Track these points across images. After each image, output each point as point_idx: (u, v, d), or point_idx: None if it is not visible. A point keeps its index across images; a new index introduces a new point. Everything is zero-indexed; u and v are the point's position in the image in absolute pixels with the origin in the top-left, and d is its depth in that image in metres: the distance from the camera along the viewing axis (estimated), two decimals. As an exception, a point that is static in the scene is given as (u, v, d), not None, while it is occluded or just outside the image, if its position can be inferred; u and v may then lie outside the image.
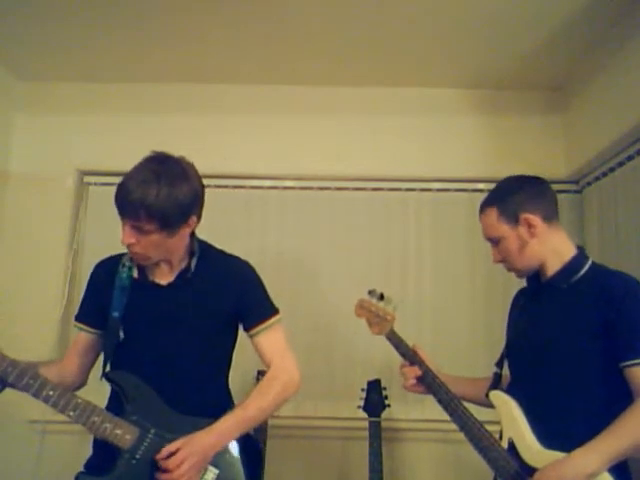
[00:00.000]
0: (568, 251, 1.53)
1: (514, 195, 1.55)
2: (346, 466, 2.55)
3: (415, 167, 2.76)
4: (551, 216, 1.55)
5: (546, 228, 1.53)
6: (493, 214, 1.56)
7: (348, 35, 2.38)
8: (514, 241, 1.53)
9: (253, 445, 1.58)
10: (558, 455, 1.36)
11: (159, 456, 1.36)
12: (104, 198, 2.80)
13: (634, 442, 1.31)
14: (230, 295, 1.55)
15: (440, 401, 1.61)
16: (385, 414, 2.33)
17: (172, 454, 1.36)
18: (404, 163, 2.76)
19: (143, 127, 2.78)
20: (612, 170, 2.39)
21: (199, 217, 1.52)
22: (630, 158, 2.26)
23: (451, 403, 1.58)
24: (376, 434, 2.27)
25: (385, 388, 2.36)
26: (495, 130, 2.77)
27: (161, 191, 1.36)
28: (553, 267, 1.52)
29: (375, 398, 2.33)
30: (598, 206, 2.51)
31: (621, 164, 2.32)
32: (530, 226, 1.52)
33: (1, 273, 2.66)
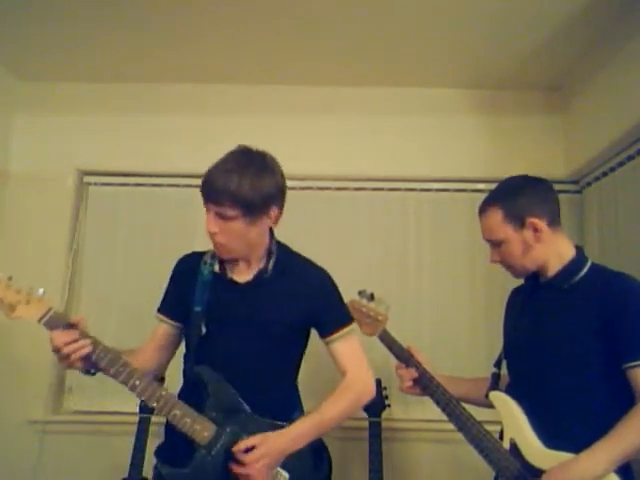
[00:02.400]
0: (568, 252, 1.52)
1: (520, 197, 1.51)
2: (346, 466, 2.55)
3: (415, 167, 2.76)
4: (555, 220, 1.52)
5: (550, 233, 1.50)
6: (497, 215, 1.51)
7: (348, 35, 2.38)
8: (518, 244, 1.50)
9: (324, 451, 1.57)
10: (563, 456, 1.36)
11: (236, 447, 1.38)
12: (104, 198, 2.81)
13: None
14: (305, 300, 1.55)
15: (438, 402, 1.60)
16: (385, 414, 2.33)
17: (249, 449, 1.38)
18: (404, 163, 2.76)
19: (143, 127, 2.77)
20: (612, 170, 2.39)
21: (281, 210, 1.55)
22: (630, 158, 2.26)
23: (449, 404, 1.58)
24: (376, 434, 2.27)
25: (385, 388, 2.36)
26: (495, 130, 2.77)
27: (244, 179, 1.41)
28: (554, 267, 1.51)
29: (375, 398, 2.31)
30: (598, 206, 2.51)
31: (621, 164, 2.32)
32: (536, 230, 1.49)
33: (1, 273, 2.66)
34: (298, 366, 1.64)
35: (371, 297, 1.76)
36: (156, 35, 2.41)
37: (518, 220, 1.49)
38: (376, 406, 2.31)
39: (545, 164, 2.67)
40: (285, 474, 1.44)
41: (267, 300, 1.52)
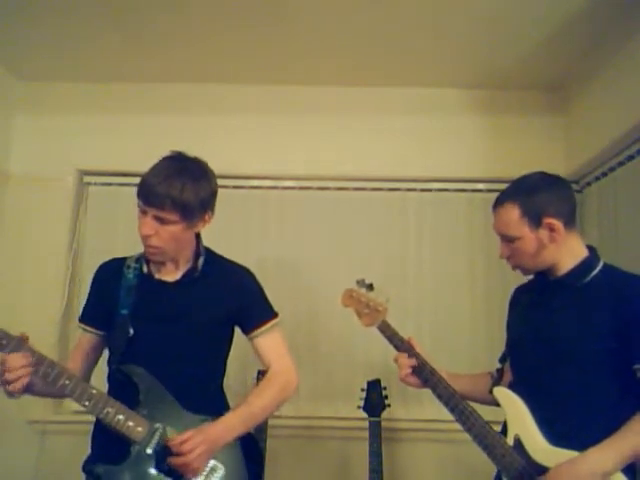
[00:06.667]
0: (581, 251, 1.51)
1: (539, 195, 1.48)
2: (346, 466, 2.55)
3: (415, 167, 2.76)
4: (571, 220, 1.50)
5: (565, 234, 1.48)
6: (514, 212, 1.48)
7: (349, 35, 2.37)
8: (532, 243, 1.48)
9: (255, 444, 1.61)
10: (569, 453, 1.34)
11: (172, 442, 1.39)
12: (104, 198, 2.81)
13: None
14: (230, 299, 1.58)
15: (440, 396, 1.58)
16: (385, 414, 2.33)
17: (184, 441, 1.39)
18: (404, 163, 2.76)
19: (143, 127, 2.78)
20: (612, 170, 2.39)
21: (213, 214, 1.57)
22: (630, 158, 2.26)
23: (452, 398, 1.55)
24: (376, 434, 2.27)
25: (385, 388, 2.36)
26: (495, 130, 2.77)
27: (185, 185, 1.44)
28: (566, 266, 1.49)
29: (375, 398, 2.33)
30: (598, 206, 2.51)
31: (621, 164, 2.32)
32: (552, 231, 1.47)
33: (1, 273, 2.66)
34: (224, 368, 1.66)
35: (370, 287, 1.74)
36: (156, 35, 2.41)
37: (535, 219, 1.47)
38: (376, 406, 2.31)
39: (545, 164, 2.62)
40: (222, 467, 1.46)
41: (197, 297, 1.55)
